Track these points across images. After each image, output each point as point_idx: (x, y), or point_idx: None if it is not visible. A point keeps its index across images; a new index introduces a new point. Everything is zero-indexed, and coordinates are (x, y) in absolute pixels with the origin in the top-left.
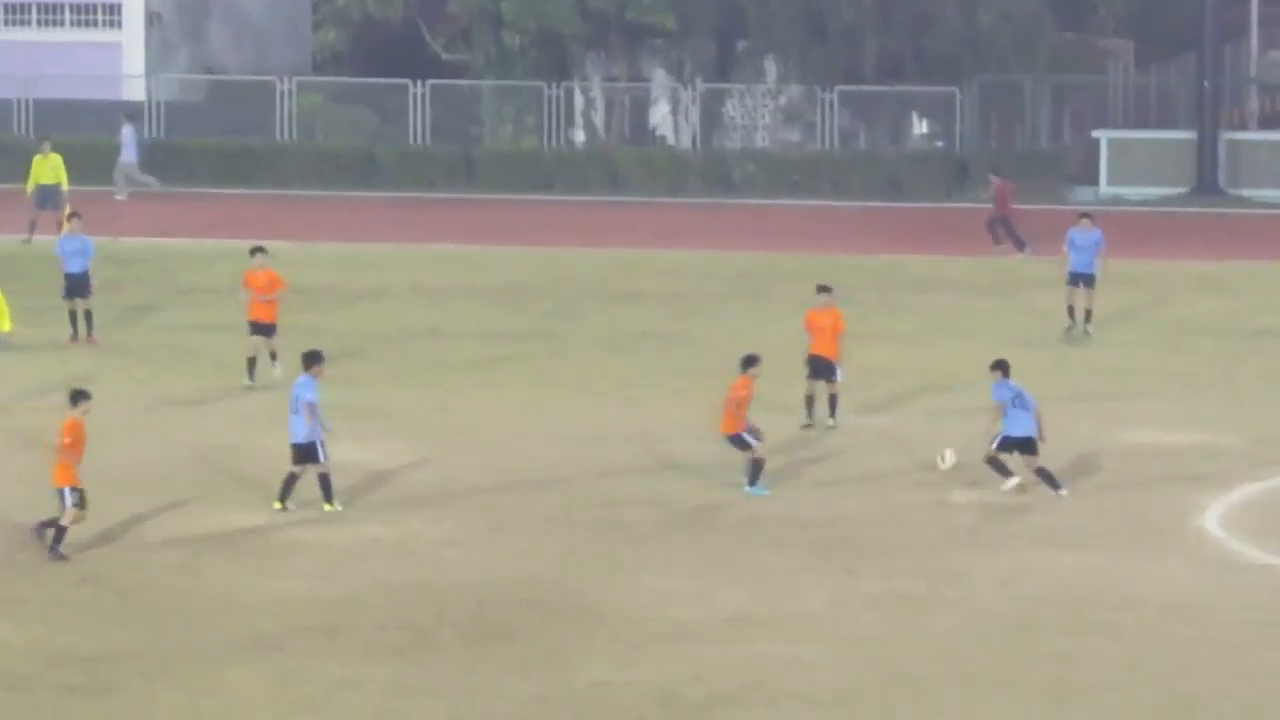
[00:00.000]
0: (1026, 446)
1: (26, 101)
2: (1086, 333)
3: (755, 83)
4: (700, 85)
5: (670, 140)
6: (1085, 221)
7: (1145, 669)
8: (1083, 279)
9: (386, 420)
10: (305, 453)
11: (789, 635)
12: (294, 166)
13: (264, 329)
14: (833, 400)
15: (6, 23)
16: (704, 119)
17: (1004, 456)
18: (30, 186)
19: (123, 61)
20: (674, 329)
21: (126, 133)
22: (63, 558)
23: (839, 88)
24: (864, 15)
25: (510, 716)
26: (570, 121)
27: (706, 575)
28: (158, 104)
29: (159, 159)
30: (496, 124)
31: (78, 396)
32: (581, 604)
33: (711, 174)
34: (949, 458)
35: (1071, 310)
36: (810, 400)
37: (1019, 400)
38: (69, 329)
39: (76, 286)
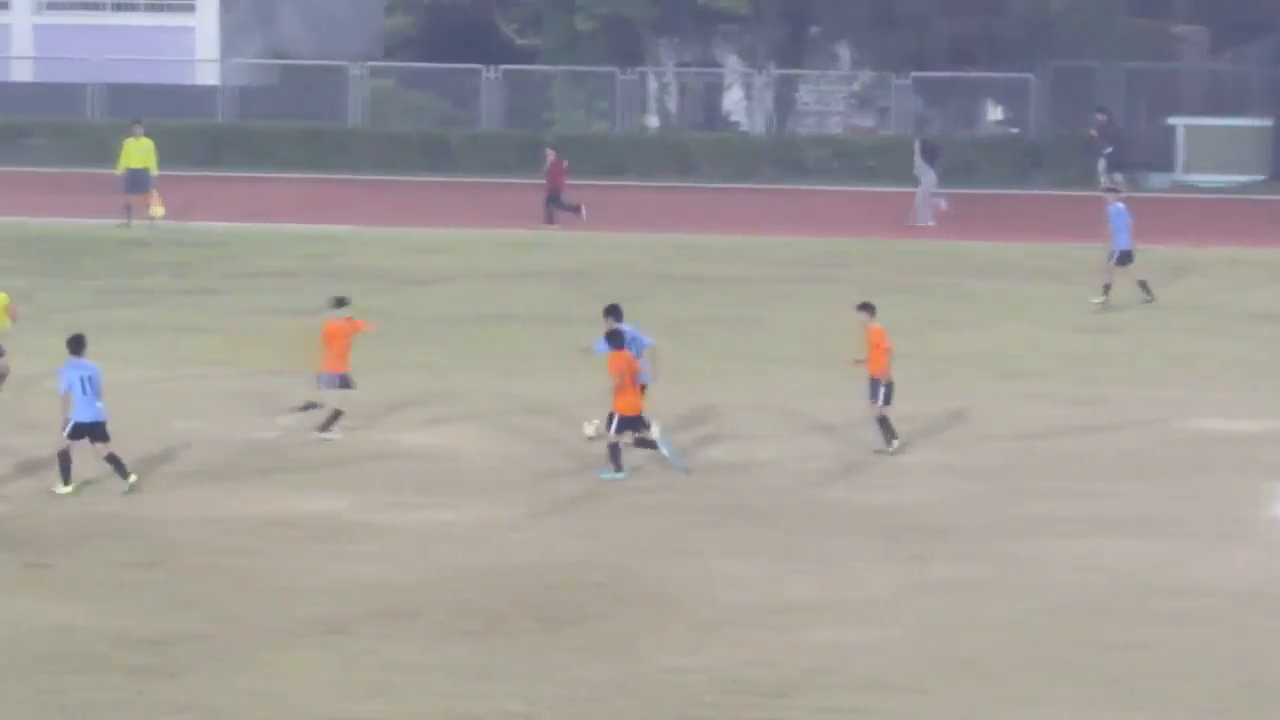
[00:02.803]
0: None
1: (99, 86)
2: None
3: (828, 68)
4: (773, 71)
5: (743, 126)
6: (1109, 195)
7: (1216, 657)
8: (1129, 255)
9: (455, 404)
10: (98, 432)
11: (857, 621)
12: (365, 151)
13: None
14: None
15: (81, 7)
16: (777, 104)
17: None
18: (120, 169)
19: (195, 46)
20: (741, 314)
21: None
22: None
23: (911, 73)
24: (935, 0)
25: (581, 701)
26: (642, 107)
27: (774, 560)
28: (230, 88)
29: (232, 143)
30: (568, 109)
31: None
32: (651, 588)
33: (784, 160)
34: (589, 429)
35: (1143, 284)
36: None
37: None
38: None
39: None
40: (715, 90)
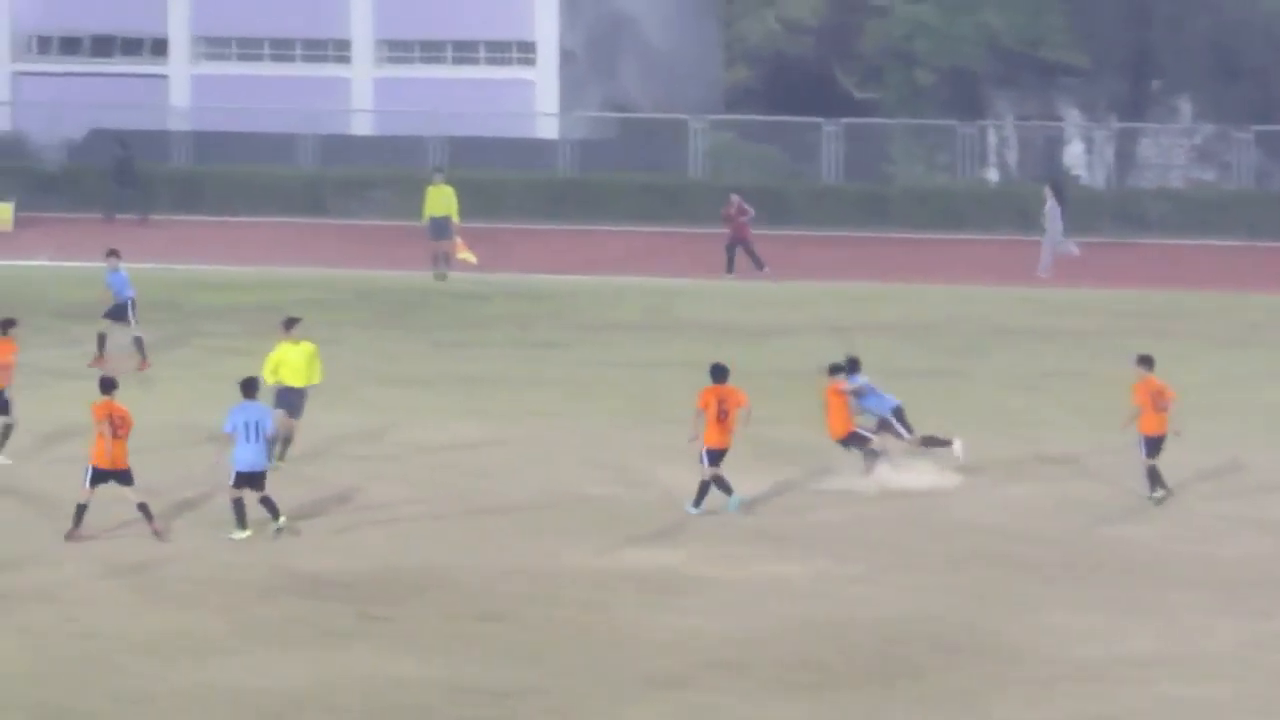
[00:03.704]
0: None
1: (440, 139)
2: None
3: (1169, 121)
4: (1114, 124)
5: (1084, 179)
6: None
7: None
8: None
9: (796, 457)
10: (256, 481)
11: (1200, 676)
12: (705, 204)
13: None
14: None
15: (421, 60)
16: (1117, 158)
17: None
18: (425, 218)
19: (536, 99)
20: (1082, 368)
21: None
22: None
23: (1253, 127)
24: (1279, 53)
25: None
26: (982, 160)
27: (1115, 614)
28: (570, 141)
29: (572, 195)
30: (908, 162)
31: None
32: (989, 642)
33: (1125, 213)
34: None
35: None
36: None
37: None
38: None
39: (117, 314)
40: (1055, 143)
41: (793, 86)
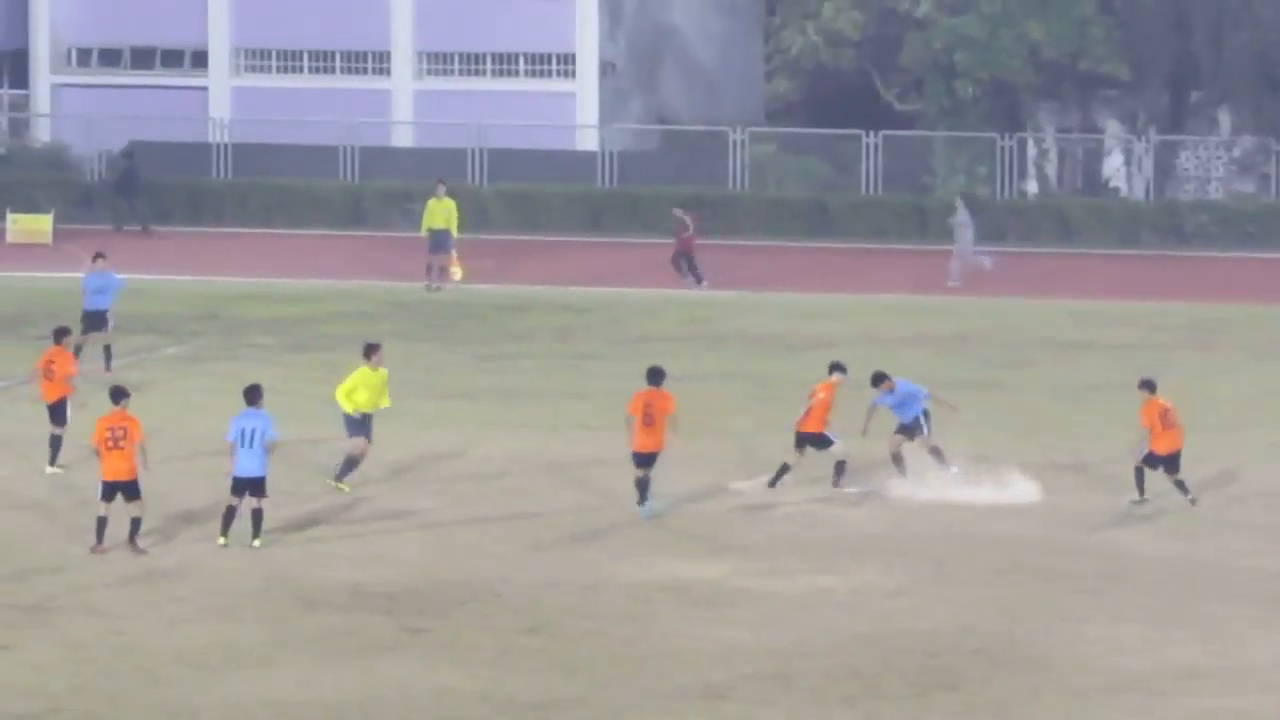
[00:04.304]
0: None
1: (480, 151)
2: None
3: (1208, 134)
4: (1153, 136)
5: (1123, 191)
6: None
7: None
8: None
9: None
10: (256, 485)
11: (1241, 688)
12: (746, 216)
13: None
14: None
15: (462, 72)
16: (1156, 170)
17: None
18: (423, 230)
19: (576, 111)
20: (1124, 380)
21: None
22: None
23: None
24: None
25: None
26: (1022, 172)
27: (1155, 626)
28: (610, 153)
29: (613, 208)
30: (948, 174)
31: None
32: (1029, 654)
33: (1164, 225)
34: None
35: None
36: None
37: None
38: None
39: (93, 323)
40: (1095, 156)
41: (834, 98)
